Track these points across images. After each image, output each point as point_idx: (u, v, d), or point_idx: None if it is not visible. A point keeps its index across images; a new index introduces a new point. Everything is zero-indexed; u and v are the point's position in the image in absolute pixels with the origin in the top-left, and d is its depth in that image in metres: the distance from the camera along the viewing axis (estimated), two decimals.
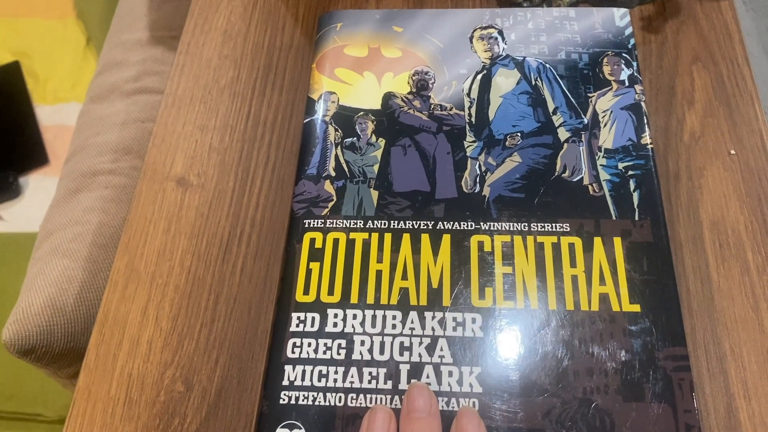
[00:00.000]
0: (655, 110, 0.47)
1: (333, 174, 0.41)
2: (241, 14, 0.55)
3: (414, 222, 0.39)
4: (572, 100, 0.43)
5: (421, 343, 0.36)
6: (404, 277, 0.37)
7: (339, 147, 0.42)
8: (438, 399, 0.34)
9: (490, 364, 0.35)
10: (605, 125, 0.42)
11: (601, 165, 0.40)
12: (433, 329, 0.36)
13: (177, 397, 0.39)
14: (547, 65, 0.44)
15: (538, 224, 0.39)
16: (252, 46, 0.53)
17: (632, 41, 0.45)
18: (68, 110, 1.04)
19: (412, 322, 0.36)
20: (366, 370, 0.35)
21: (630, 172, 0.40)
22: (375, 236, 0.39)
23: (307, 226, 0.39)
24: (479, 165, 0.41)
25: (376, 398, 0.34)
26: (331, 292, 0.37)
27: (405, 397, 0.33)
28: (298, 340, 0.36)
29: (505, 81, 0.44)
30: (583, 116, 0.42)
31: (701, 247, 0.42)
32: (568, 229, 0.38)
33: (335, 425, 0.34)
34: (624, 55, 0.44)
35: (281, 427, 0.34)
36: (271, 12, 0.55)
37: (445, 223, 0.39)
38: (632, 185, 0.40)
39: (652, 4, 0.52)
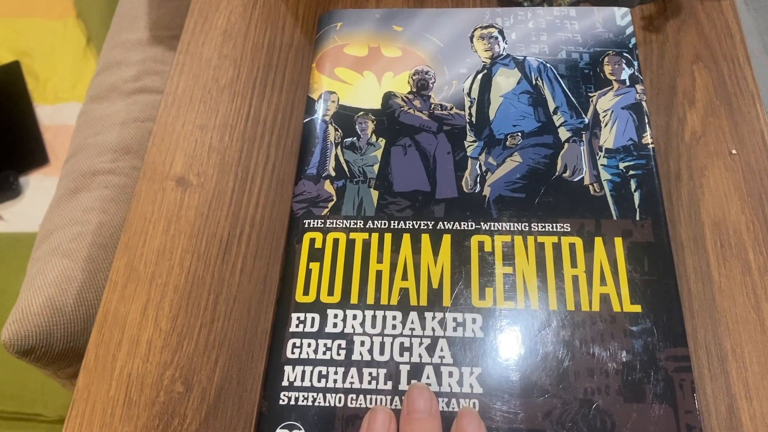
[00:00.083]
0: (656, 110, 0.47)
1: (333, 174, 0.41)
2: (241, 14, 0.55)
3: (414, 222, 0.39)
4: (573, 99, 0.43)
5: (421, 344, 0.35)
6: (404, 277, 0.37)
7: (339, 147, 0.42)
8: (438, 400, 0.34)
9: (490, 365, 0.35)
10: (606, 125, 0.42)
11: (601, 165, 0.40)
12: (433, 330, 0.36)
13: (176, 398, 0.39)
14: (548, 65, 0.44)
15: (539, 224, 0.38)
16: (252, 45, 0.53)
17: (633, 41, 0.45)
18: (68, 110, 1.04)
19: (412, 323, 0.36)
20: (366, 371, 0.35)
21: (631, 172, 0.40)
22: (375, 236, 0.39)
23: (306, 226, 0.39)
24: (480, 165, 0.41)
25: (376, 399, 0.34)
26: (331, 293, 0.37)
27: (405, 397, 0.33)
28: (297, 341, 0.36)
29: (505, 80, 0.44)
30: (583, 116, 0.42)
31: (702, 247, 0.42)
32: (569, 229, 0.38)
33: (335, 426, 0.33)
34: (625, 54, 0.44)
35: (281, 428, 0.34)
36: (271, 11, 0.55)
37: (445, 223, 0.39)
38: (633, 185, 0.39)
39: (653, 3, 0.52)
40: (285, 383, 0.35)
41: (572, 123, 0.42)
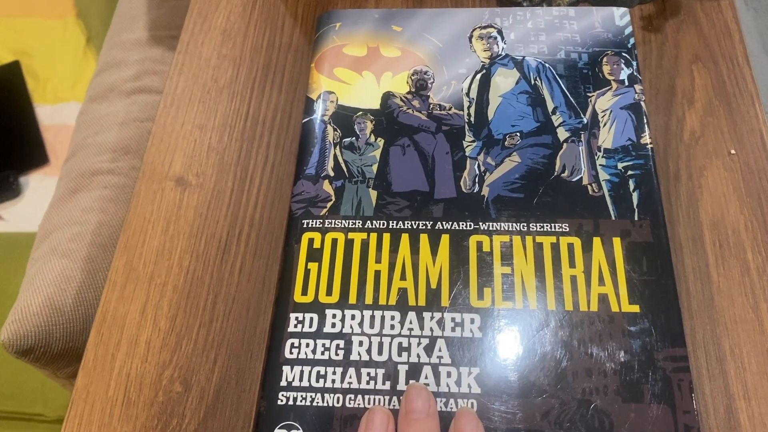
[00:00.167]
0: (655, 110, 0.47)
1: (332, 174, 0.41)
2: (241, 13, 0.55)
3: (413, 222, 0.39)
4: (571, 99, 0.43)
5: (419, 344, 0.35)
6: (403, 277, 0.37)
7: (338, 147, 0.42)
8: (436, 400, 0.34)
9: (488, 365, 0.35)
10: (605, 125, 0.42)
11: (600, 165, 0.40)
12: (431, 330, 0.36)
13: (175, 398, 0.39)
14: (547, 65, 0.44)
15: (537, 224, 0.38)
16: (251, 45, 0.53)
17: (632, 41, 0.45)
18: (68, 110, 1.04)
19: (410, 323, 0.36)
20: (364, 371, 0.35)
21: (629, 172, 0.40)
22: (374, 236, 0.39)
23: (305, 226, 0.39)
24: (478, 165, 0.41)
25: (375, 399, 0.34)
26: (329, 293, 0.37)
27: (403, 397, 0.33)
28: (296, 341, 0.36)
29: (504, 81, 0.44)
30: (582, 116, 0.42)
31: (701, 247, 0.42)
32: (567, 230, 0.38)
33: (333, 426, 0.34)
34: (624, 54, 0.44)
35: (279, 428, 0.34)
36: (271, 11, 0.55)
37: (443, 223, 0.39)
38: (632, 185, 0.39)
39: (652, 3, 0.52)
40: (283, 383, 0.35)
41: (571, 123, 0.42)
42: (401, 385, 0.34)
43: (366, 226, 0.39)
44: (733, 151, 0.45)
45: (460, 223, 0.39)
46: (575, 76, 0.44)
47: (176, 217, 0.46)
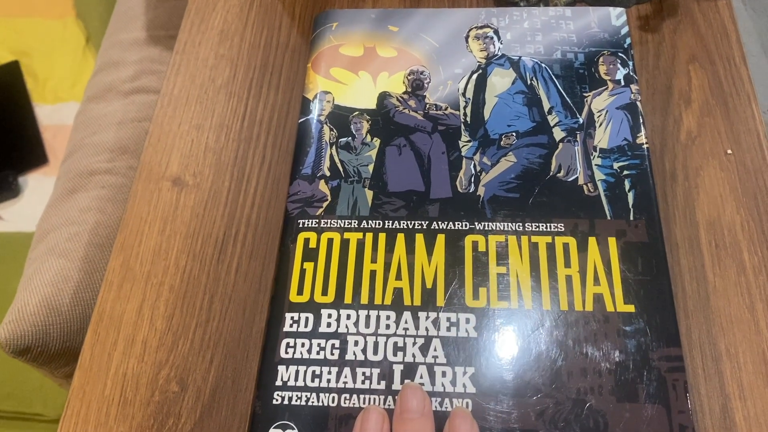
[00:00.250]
0: (652, 110, 0.47)
1: (328, 174, 0.41)
2: (238, 14, 0.55)
3: (408, 222, 0.39)
4: (568, 99, 0.43)
5: (414, 344, 0.35)
6: (398, 277, 0.37)
7: (334, 147, 0.42)
8: (431, 399, 0.34)
9: (483, 365, 0.35)
10: (600, 125, 0.42)
11: (596, 165, 0.40)
12: (426, 329, 0.36)
13: (171, 397, 0.39)
14: (543, 65, 0.44)
15: (533, 224, 0.38)
16: (248, 45, 0.53)
17: (628, 41, 0.45)
18: (68, 110, 1.04)
19: (405, 323, 0.36)
20: (359, 371, 0.35)
21: (625, 172, 0.40)
22: (369, 236, 0.39)
23: (301, 226, 0.39)
24: (474, 165, 0.41)
25: (370, 399, 0.34)
26: (325, 293, 0.37)
27: (398, 397, 0.33)
28: (291, 341, 0.36)
29: (500, 80, 0.44)
30: (578, 116, 0.42)
31: (697, 247, 0.42)
32: (563, 229, 0.38)
33: (328, 426, 0.34)
34: (620, 54, 0.44)
35: (274, 428, 0.34)
36: (268, 11, 0.55)
37: (439, 223, 0.39)
38: (627, 185, 0.39)
39: (649, 3, 0.52)
40: (279, 383, 0.35)
41: (567, 123, 0.42)
42: (396, 385, 0.34)
43: (362, 226, 0.39)
44: (729, 152, 0.45)
45: (456, 223, 0.39)
46: (571, 76, 0.44)
47: (173, 217, 0.46)
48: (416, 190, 0.40)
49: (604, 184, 0.40)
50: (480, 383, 0.34)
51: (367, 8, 0.53)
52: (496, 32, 0.46)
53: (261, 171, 0.47)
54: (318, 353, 0.35)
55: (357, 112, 0.43)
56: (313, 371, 0.35)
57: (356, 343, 0.36)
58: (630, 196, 0.39)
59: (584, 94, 0.43)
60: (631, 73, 0.44)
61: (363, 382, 0.35)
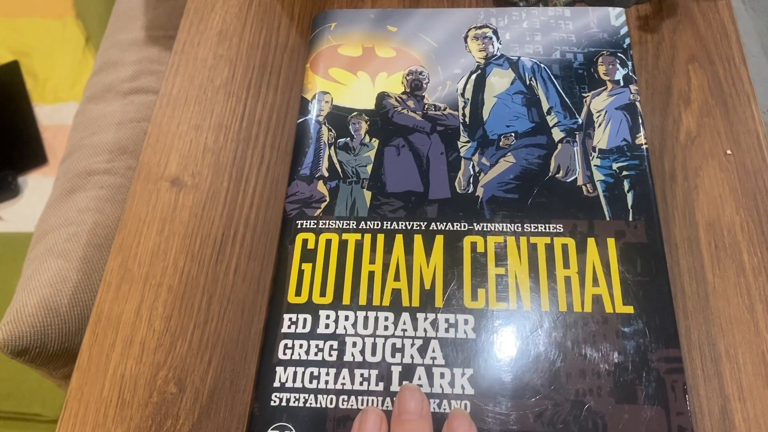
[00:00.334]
0: (651, 110, 0.47)
1: (326, 174, 0.41)
2: (237, 14, 0.55)
3: (407, 223, 0.39)
4: (567, 100, 0.43)
5: (413, 345, 0.35)
6: (397, 278, 0.37)
7: (332, 147, 0.42)
8: (430, 401, 0.34)
9: (482, 366, 0.35)
10: (600, 125, 0.42)
11: (595, 165, 0.40)
12: (425, 330, 0.36)
13: (170, 399, 0.39)
14: (542, 65, 0.44)
15: (532, 225, 0.38)
16: (247, 45, 0.53)
17: (627, 41, 0.45)
18: (67, 110, 1.04)
19: (404, 324, 0.36)
20: (358, 372, 0.35)
21: (624, 173, 0.40)
22: (368, 237, 0.39)
23: (299, 226, 0.39)
24: (473, 165, 0.41)
25: (368, 400, 0.34)
26: (323, 294, 0.37)
27: (396, 398, 0.33)
28: (289, 342, 0.36)
29: (499, 81, 0.44)
30: (577, 116, 0.42)
31: (696, 247, 0.42)
32: (562, 230, 0.38)
33: (326, 427, 0.33)
34: (619, 54, 0.44)
35: (272, 429, 0.34)
36: (267, 11, 0.55)
37: (438, 223, 0.39)
38: (626, 186, 0.39)
39: (649, 3, 0.52)
40: (276, 384, 0.35)
41: (566, 123, 0.42)
42: (395, 386, 0.34)
43: (360, 227, 0.39)
44: (729, 152, 0.45)
45: (455, 223, 0.39)
46: (570, 77, 0.43)
47: (171, 218, 0.45)
48: (415, 190, 0.40)
49: (603, 184, 0.40)
50: (478, 384, 0.34)
51: (366, 8, 0.53)
52: (495, 32, 0.46)
53: (260, 171, 0.47)
54: (316, 354, 0.35)
55: (355, 113, 0.43)
56: (311, 372, 0.35)
57: (354, 345, 0.35)
58: (629, 197, 0.39)
59: (583, 95, 0.43)
60: (631, 74, 0.43)
61: (361, 384, 0.34)
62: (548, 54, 0.44)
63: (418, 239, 0.38)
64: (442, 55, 0.45)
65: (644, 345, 0.35)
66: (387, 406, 0.34)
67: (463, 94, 0.43)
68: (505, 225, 0.38)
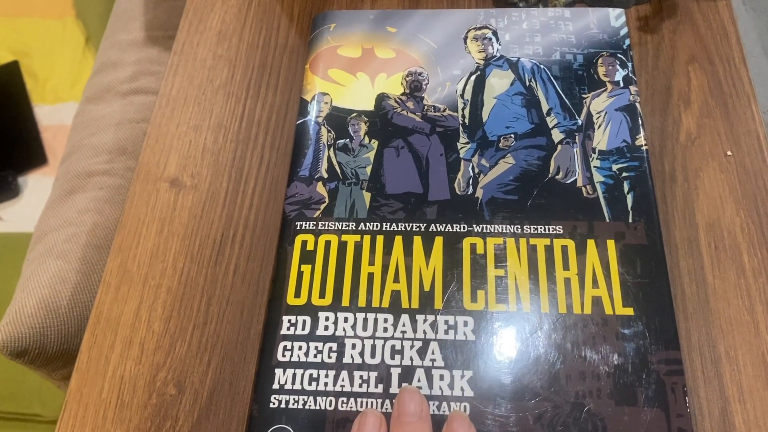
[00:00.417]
0: (651, 111, 0.47)
1: (325, 176, 0.41)
2: (236, 14, 0.55)
3: (406, 224, 0.39)
4: (566, 101, 0.43)
5: (412, 347, 0.35)
6: (396, 279, 0.37)
7: (331, 148, 0.42)
8: (429, 403, 0.34)
9: (481, 368, 0.35)
10: (599, 126, 0.42)
11: (595, 167, 0.40)
12: (424, 332, 0.36)
13: (169, 400, 0.39)
14: (542, 66, 0.44)
15: (531, 226, 0.38)
16: (246, 46, 0.53)
17: (627, 42, 0.45)
18: (67, 110, 1.04)
19: (403, 325, 0.36)
20: (357, 374, 0.35)
21: (624, 174, 0.40)
22: (367, 238, 0.38)
23: (298, 228, 0.39)
24: (472, 167, 0.41)
25: (367, 402, 0.34)
26: (322, 295, 0.37)
27: (396, 400, 0.33)
28: (288, 343, 0.36)
29: (499, 82, 0.44)
30: (577, 117, 0.42)
31: (697, 249, 0.42)
32: (561, 232, 0.38)
33: (325, 429, 0.33)
34: (619, 55, 0.44)
35: (271, 431, 0.33)
36: (266, 12, 0.55)
37: (437, 225, 0.39)
38: (626, 187, 0.39)
39: (649, 4, 0.51)
40: (276, 386, 0.35)
41: (565, 124, 0.42)
42: (394, 388, 0.34)
43: (359, 228, 0.39)
44: (729, 153, 0.45)
45: (454, 225, 0.39)
46: (570, 78, 0.43)
47: (171, 219, 0.45)
48: (414, 192, 0.40)
49: (602, 186, 0.39)
50: (478, 386, 0.34)
51: (366, 9, 0.53)
52: (494, 33, 0.46)
53: (259, 172, 0.47)
54: (315, 356, 0.35)
55: (355, 114, 0.43)
56: (311, 374, 0.35)
57: (354, 346, 0.35)
58: (629, 198, 0.39)
59: (583, 96, 0.43)
60: (630, 75, 0.43)
61: (360, 386, 0.34)
62: (548, 55, 0.44)
63: (417, 241, 0.38)
64: (442, 56, 0.45)
65: (644, 347, 0.35)
66: (386, 408, 0.34)
67: (462, 96, 0.43)
68: (504, 226, 0.38)
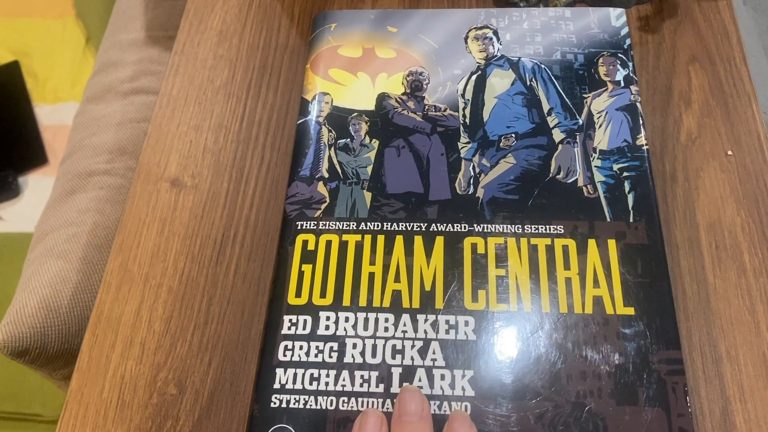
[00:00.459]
0: (652, 111, 0.47)
1: (326, 175, 0.41)
2: (237, 14, 0.55)
3: (407, 224, 0.39)
4: (567, 100, 0.43)
5: (413, 346, 0.35)
6: (397, 279, 0.37)
7: (332, 148, 0.42)
8: (430, 402, 0.34)
9: (482, 368, 0.35)
10: (600, 126, 0.42)
11: (595, 166, 0.40)
12: (425, 332, 0.36)
13: (170, 400, 0.39)
14: (542, 66, 0.44)
15: (532, 226, 0.38)
16: (247, 46, 0.53)
17: (628, 41, 0.45)
18: (68, 110, 1.04)
19: (404, 325, 0.36)
20: (358, 374, 0.35)
21: (625, 174, 0.40)
22: (368, 238, 0.38)
23: (299, 227, 0.39)
24: (473, 166, 0.41)
25: (368, 402, 0.34)
26: (323, 295, 0.37)
27: (397, 400, 0.33)
28: (289, 343, 0.36)
29: (499, 82, 0.44)
30: (578, 117, 0.42)
31: (697, 248, 0.42)
32: (562, 231, 0.38)
33: (326, 429, 0.33)
34: (620, 55, 0.44)
35: (272, 431, 0.33)
36: (267, 12, 0.55)
37: (438, 224, 0.39)
38: (627, 187, 0.39)
39: (649, 3, 0.52)
40: (276, 386, 0.35)
41: (566, 124, 0.42)
42: (395, 388, 0.34)
43: (360, 228, 0.39)
44: (729, 153, 0.45)
45: (455, 224, 0.39)
46: (571, 77, 0.43)
47: (171, 219, 0.45)
48: (415, 191, 0.40)
49: (603, 185, 0.39)
50: (479, 386, 0.34)
51: (366, 9, 0.53)
52: (495, 33, 0.46)
53: (260, 172, 0.47)
54: (316, 356, 0.35)
55: (356, 114, 0.43)
56: (311, 374, 0.35)
57: (354, 346, 0.35)
58: (630, 198, 0.39)
59: (584, 95, 0.43)
60: (631, 74, 0.43)
61: (361, 385, 0.34)
62: (549, 55, 0.44)
63: (418, 240, 0.38)
64: (443, 55, 0.45)
65: (645, 346, 0.35)
66: (387, 408, 0.34)
67: (463, 95, 0.43)
68: (505, 226, 0.38)
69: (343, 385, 0.34)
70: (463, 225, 0.39)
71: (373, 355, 0.35)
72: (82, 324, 0.54)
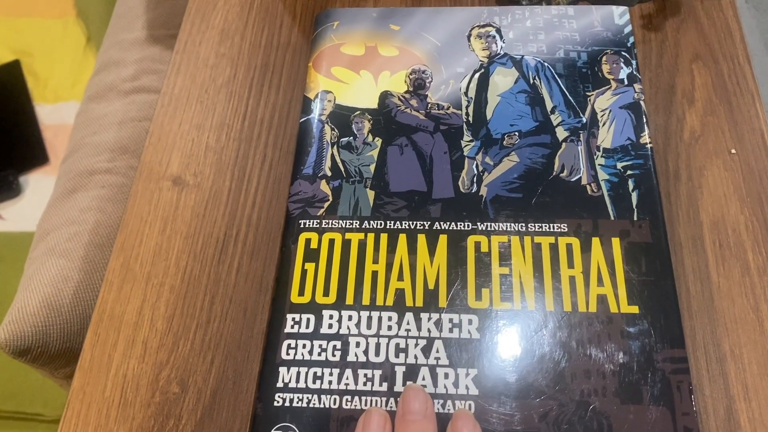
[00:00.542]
0: (655, 109, 0.47)
1: (329, 174, 0.41)
2: (239, 13, 0.55)
3: (410, 222, 0.39)
4: (570, 99, 0.42)
5: (416, 345, 0.35)
6: (400, 277, 0.37)
7: (335, 146, 0.42)
8: (434, 401, 0.33)
9: (486, 366, 0.34)
10: (604, 124, 0.41)
11: (599, 164, 0.40)
12: (429, 331, 0.35)
13: (172, 399, 0.39)
14: (546, 64, 0.44)
15: (536, 224, 0.38)
16: (249, 44, 0.53)
17: (631, 39, 0.45)
18: (68, 109, 1.04)
19: (407, 324, 0.36)
20: (361, 372, 0.35)
21: (629, 172, 0.40)
22: (371, 236, 0.38)
23: (302, 226, 0.39)
24: (476, 165, 0.41)
25: (372, 400, 0.34)
26: (326, 293, 0.37)
27: (400, 399, 0.33)
28: (292, 342, 0.36)
29: (502, 80, 0.44)
30: (581, 115, 0.42)
31: (701, 247, 0.42)
32: (566, 230, 0.38)
33: (330, 428, 0.33)
34: (623, 53, 0.44)
35: (275, 430, 0.33)
36: (269, 10, 0.55)
37: (441, 223, 0.39)
38: (631, 185, 0.39)
39: (652, 1, 0.51)
40: (280, 384, 0.35)
41: (570, 122, 0.42)
42: (398, 387, 0.34)
43: (363, 227, 0.39)
44: (733, 151, 0.45)
45: (458, 223, 0.38)
46: (574, 76, 0.43)
47: (173, 217, 0.45)
48: (418, 190, 0.40)
49: (607, 184, 0.39)
50: (483, 385, 0.34)
51: (369, 7, 0.53)
52: (498, 31, 0.46)
53: (262, 171, 0.47)
54: (319, 354, 0.35)
55: (358, 112, 0.43)
56: (315, 373, 0.35)
57: (358, 345, 0.35)
58: (633, 196, 0.39)
59: (587, 94, 0.43)
60: (635, 72, 0.43)
61: (365, 384, 0.34)
62: (552, 53, 0.44)
63: (421, 239, 0.38)
64: (445, 53, 0.45)
65: (649, 345, 0.34)
66: (391, 407, 0.34)
67: (466, 93, 0.43)
68: (509, 224, 0.38)
69: (347, 384, 0.34)
70: (466, 223, 0.38)
71: (377, 353, 0.35)
72: (83, 323, 0.54)
